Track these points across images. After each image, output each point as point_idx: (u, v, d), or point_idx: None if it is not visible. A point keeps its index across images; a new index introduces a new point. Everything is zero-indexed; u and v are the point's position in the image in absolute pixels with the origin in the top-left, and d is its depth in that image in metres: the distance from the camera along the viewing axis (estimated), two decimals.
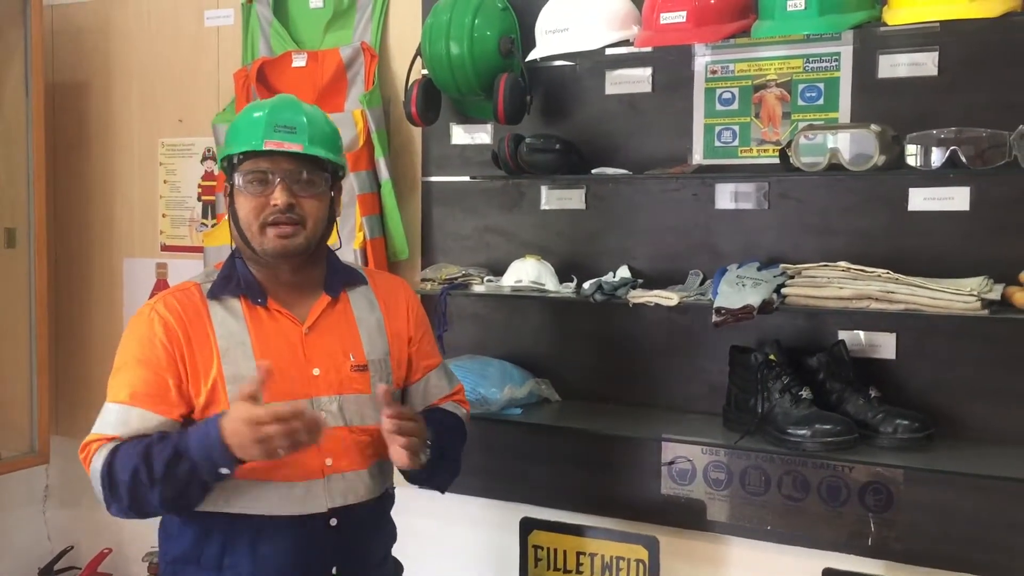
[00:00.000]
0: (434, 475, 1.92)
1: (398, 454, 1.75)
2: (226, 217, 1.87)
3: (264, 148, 1.75)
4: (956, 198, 2.12)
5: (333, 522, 1.79)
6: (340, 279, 1.91)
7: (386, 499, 1.95)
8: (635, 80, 2.42)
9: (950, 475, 2.06)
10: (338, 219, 2.57)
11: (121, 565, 3.28)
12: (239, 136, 1.80)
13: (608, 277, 2.38)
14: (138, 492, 1.67)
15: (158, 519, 1.85)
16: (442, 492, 2.02)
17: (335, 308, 1.88)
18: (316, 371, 1.80)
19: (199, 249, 2.98)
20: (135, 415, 1.73)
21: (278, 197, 1.75)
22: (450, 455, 1.94)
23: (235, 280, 1.83)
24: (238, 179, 1.78)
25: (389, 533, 2.00)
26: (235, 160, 1.79)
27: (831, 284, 2.06)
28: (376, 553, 1.94)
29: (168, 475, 1.64)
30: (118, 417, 1.74)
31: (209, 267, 1.93)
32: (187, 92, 3.04)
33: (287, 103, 1.84)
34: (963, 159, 1.94)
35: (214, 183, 2.94)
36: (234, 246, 1.87)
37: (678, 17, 2.12)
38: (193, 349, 1.76)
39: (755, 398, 2.16)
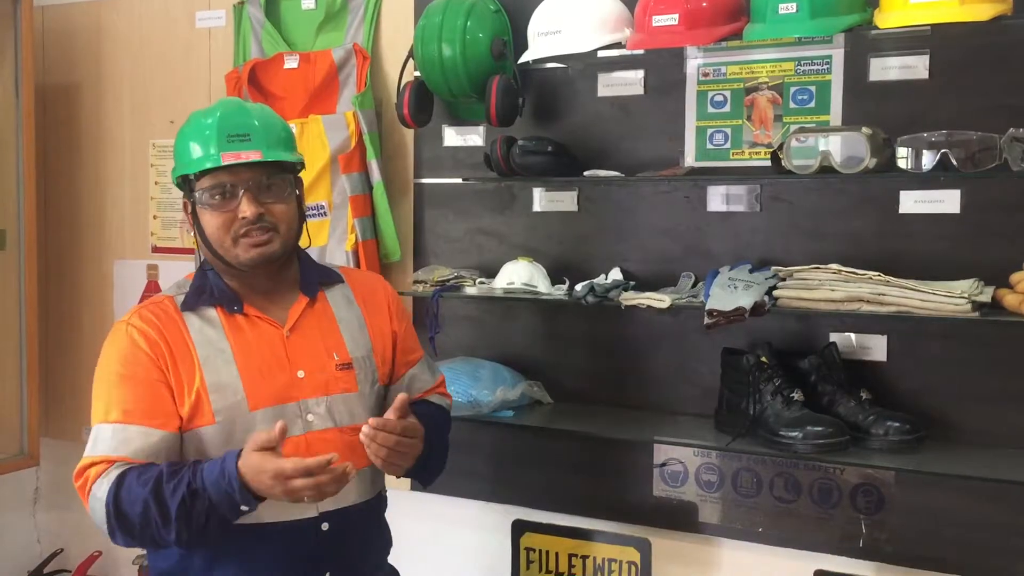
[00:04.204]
0: (421, 470, 1.89)
1: (378, 461, 1.74)
2: (192, 233, 1.83)
3: (223, 164, 1.70)
4: (947, 201, 2.13)
5: (325, 527, 1.77)
6: (315, 279, 1.88)
7: (379, 501, 1.94)
8: (627, 82, 2.43)
9: (941, 477, 2.06)
10: (328, 220, 2.61)
11: (111, 568, 3.27)
12: (191, 152, 1.74)
13: (600, 279, 2.38)
14: (150, 528, 1.63)
15: None
16: (425, 486, 1.99)
17: (314, 308, 1.85)
18: (301, 373, 1.78)
19: (190, 251, 2.97)
20: (135, 432, 1.68)
21: (246, 209, 1.71)
22: (438, 451, 1.92)
23: (208, 290, 1.79)
24: (200, 196, 1.74)
25: (384, 537, 1.98)
26: (191, 177, 1.74)
27: (822, 286, 2.07)
28: (372, 558, 1.92)
29: (183, 515, 1.60)
30: (114, 436, 1.68)
31: (182, 278, 1.89)
32: (178, 93, 3.03)
33: (234, 108, 1.79)
34: (954, 162, 1.94)
35: None
36: (203, 258, 1.83)
37: (670, 20, 2.13)
38: (175, 360, 1.73)
39: (747, 400, 2.17)
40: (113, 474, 1.65)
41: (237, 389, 1.73)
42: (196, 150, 1.74)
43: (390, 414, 1.72)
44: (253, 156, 1.72)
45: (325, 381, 1.80)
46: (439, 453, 1.95)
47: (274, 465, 1.56)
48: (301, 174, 1.87)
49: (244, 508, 1.62)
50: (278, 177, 1.77)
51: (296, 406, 1.77)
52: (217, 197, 1.73)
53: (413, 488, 2.63)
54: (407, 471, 1.83)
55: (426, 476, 1.95)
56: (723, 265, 2.27)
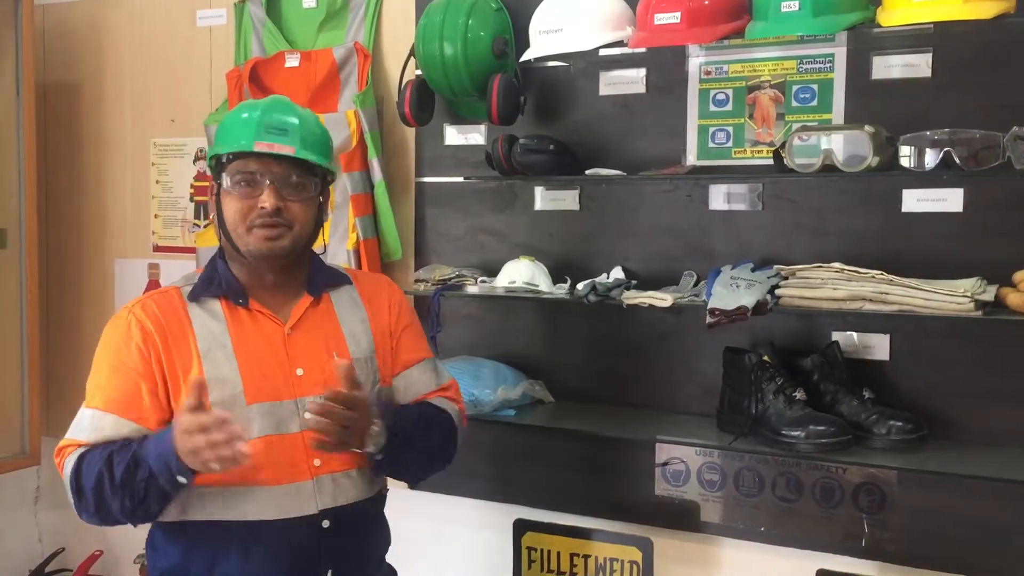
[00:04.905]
0: (396, 466, 1.84)
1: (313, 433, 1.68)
2: (211, 217, 1.86)
3: (254, 150, 1.73)
4: (949, 199, 2.12)
5: (325, 524, 1.76)
6: (322, 280, 1.89)
7: (379, 500, 1.93)
8: (629, 81, 2.42)
9: (943, 476, 2.06)
10: (330, 220, 2.60)
11: (112, 567, 3.27)
12: (229, 136, 1.77)
13: (602, 278, 2.38)
14: (102, 499, 1.66)
15: (147, 526, 1.83)
16: (411, 486, 1.97)
17: (318, 308, 1.86)
18: (300, 371, 1.78)
19: (191, 250, 2.97)
20: (108, 421, 1.71)
21: (266, 200, 1.73)
22: (419, 446, 1.85)
23: (216, 282, 1.81)
24: (226, 179, 1.76)
25: (384, 535, 1.98)
26: (223, 160, 1.76)
27: (825, 285, 2.06)
28: (373, 555, 1.92)
29: (127, 481, 1.62)
30: (91, 423, 1.72)
31: (191, 271, 1.91)
32: (179, 92, 3.03)
33: (280, 104, 1.82)
34: (957, 160, 1.94)
35: (206, 184, 2.93)
36: (218, 246, 1.85)
37: (672, 18, 2.12)
38: (171, 352, 1.74)
39: (749, 399, 2.16)
40: (80, 451, 1.71)
41: (236, 383, 1.73)
42: (234, 134, 1.76)
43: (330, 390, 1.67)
44: (286, 150, 1.74)
45: (324, 380, 1.79)
46: (422, 449, 1.87)
47: (183, 421, 1.56)
48: None
49: (180, 479, 1.60)
50: (305, 178, 1.78)
51: (293, 403, 1.76)
52: (243, 183, 1.75)
53: (414, 487, 2.63)
54: (390, 470, 1.82)
55: (405, 473, 1.91)
56: (725, 264, 2.27)
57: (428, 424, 1.90)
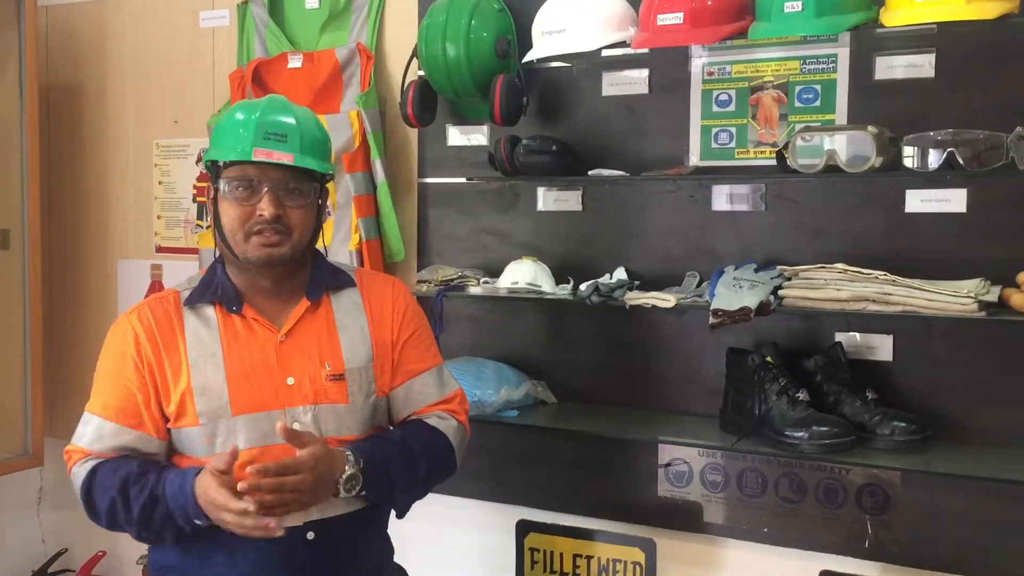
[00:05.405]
0: (382, 499, 1.81)
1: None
2: (208, 220, 1.85)
3: (252, 159, 1.70)
4: (953, 200, 2.12)
5: (310, 536, 1.74)
6: (323, 282, 1.85)
7: (374, 511, 1.86)
8: (632, 81, 2.42)
9: (947, 477, 2.06)
10: (332, 219, 2.60)
11: (115, 568, 3.27)
12: (226, 140, 1.74)
13: (605, 279, 2.37)
14: (115, 522, 1.72)
15: None
16: (399, 516, 1.88)
17: (316, 313, 1.82)
18: (290, 380, 1.75)
19: (194, 251, 2.97)
20: (109, 430, 1.74)
21: (265, 208, 1.70)
22: (401, 482, 1.78)
23: (213, 287, 1.79)
24: (224, 185, 1.73)
25: (380, 545, 1.93)
26: (221, 164, 1.74)
27: (828, 286, 2.06)
28: (364, 566, 1.86)
29: (144, 518, 1.68)
30: (94, 431, 1.75)
31: (195, 272, 1.89)
32: (182, 93, 3.03)
33: (278, 106, 1.78)
34: (960, 161, 1.94)
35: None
36: (217, 252, 1.83)
37: (675, 18, 2.12)
38: (163, 362, 1.74)
39: (752, 400, 2.16)
40: (90, 464, 1.74)
41: (222, 393, 1.72)
42: (231, 139, 1.73)
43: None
44: (284, 159, 1.71)
45: (314, 390, 1.77)
46: (403, 483, 1.80)
47: (213, 494, 1.60)
48: None
49: (198, 522, 1.65)
50: (304, 183, 1.75)
51: (281, 414, 1.73)
52: (241, 189, 1.72)
53: (401, 517, 2.61)
54: (377, 501, 1.80)
55: (389, 503, 1.85)
56: (728, 264, 2.27)
57: (412, 453, 1.80)
